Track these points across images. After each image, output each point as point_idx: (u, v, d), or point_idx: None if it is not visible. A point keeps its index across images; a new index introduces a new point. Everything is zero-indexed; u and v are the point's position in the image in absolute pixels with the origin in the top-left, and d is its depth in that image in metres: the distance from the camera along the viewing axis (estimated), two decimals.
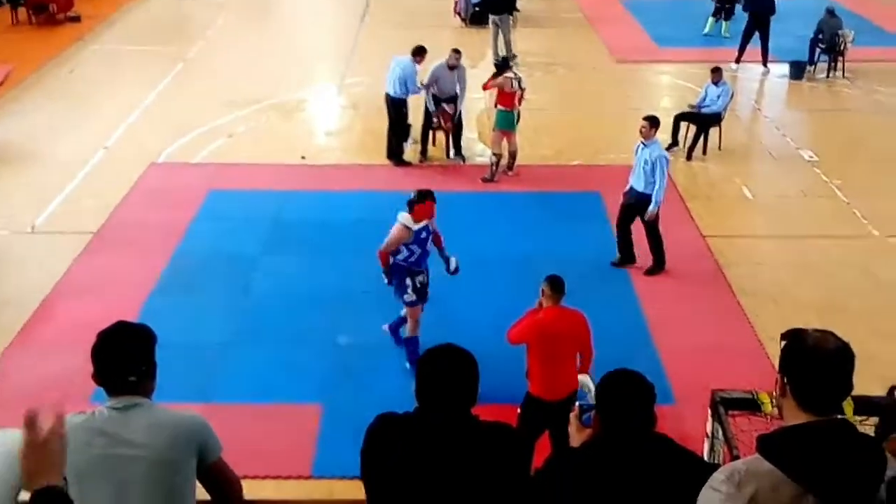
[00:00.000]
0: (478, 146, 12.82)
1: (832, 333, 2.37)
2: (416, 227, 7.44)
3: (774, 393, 2.40)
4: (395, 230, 7.46)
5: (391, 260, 7.57)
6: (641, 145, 9.31)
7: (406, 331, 7.85)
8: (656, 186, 9.09)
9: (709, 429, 4.55)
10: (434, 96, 11.97)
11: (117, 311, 8.40)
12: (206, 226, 10.32)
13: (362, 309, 8.73)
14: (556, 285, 6.28)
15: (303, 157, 12.26)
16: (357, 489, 6.29)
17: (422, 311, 7.79)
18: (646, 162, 9.13)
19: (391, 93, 11.81)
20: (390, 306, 8.64)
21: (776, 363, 8.09)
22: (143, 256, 9.58)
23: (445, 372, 2.91)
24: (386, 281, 7.76)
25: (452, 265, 7.98)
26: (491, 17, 16.61)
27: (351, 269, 9.42)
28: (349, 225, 10.33)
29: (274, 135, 13.22)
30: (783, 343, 2.38)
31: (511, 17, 16.71)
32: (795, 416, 2.31)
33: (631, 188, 9.42)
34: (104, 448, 2.95)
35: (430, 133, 12.44)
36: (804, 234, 10.43)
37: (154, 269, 9.35)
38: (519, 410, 6.38)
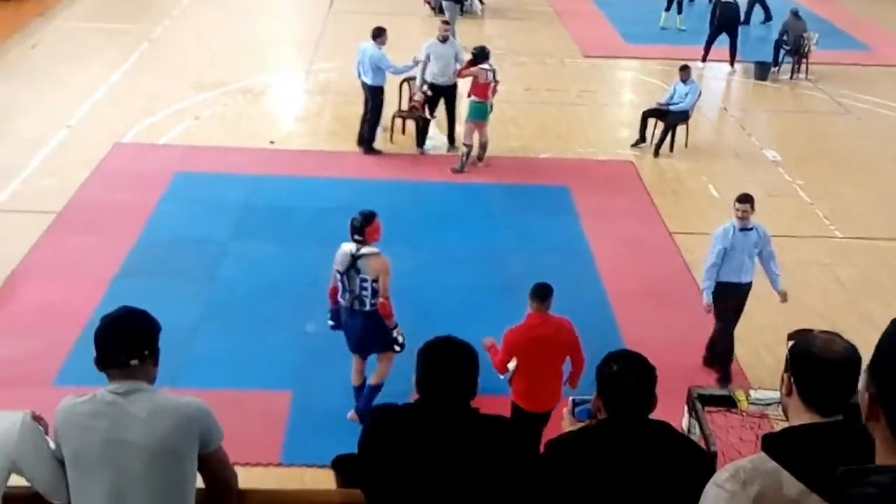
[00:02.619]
0: (443, 136, 12.79)
1: (839, 335, 2.41)
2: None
3: (780, 391, 2.43)
4: (383, 266, 6.54)
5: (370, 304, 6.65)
6: (740, 229, 7.55)
7: (375, 376, 6.94)
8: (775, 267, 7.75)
9: (685, 424, 4.60)
10: (431, 84, 11.87)
11: (81, 293, 8.37)
12: (172, 209, 10.19)
13: None
14: (535, 292, 6.18)
15: (271, 142, 12.15)
16: (327, 477, 6.30)
17: None
18: (755, 245, 7.63)
19: (367, 81, 11.72)
20: None
21: (742, 360, 8.19)
22: (108, 238, 9.44)
23: (445, 364, 2.91)
24: (401, 332, 6.77)
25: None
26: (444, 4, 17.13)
27: (319, 256, 9.33)
28: (318, 212, 10.26)
29: (242, 118, 13.08)
30: (790, 343, 2.42)
31: (457, 6, 16.91)
32: (800, 416, 2.35)
33: (736, 284, 7.71)
34: (105, 432, 2.89)
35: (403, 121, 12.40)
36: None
37: (119, 251, 9.21)
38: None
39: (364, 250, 6.52)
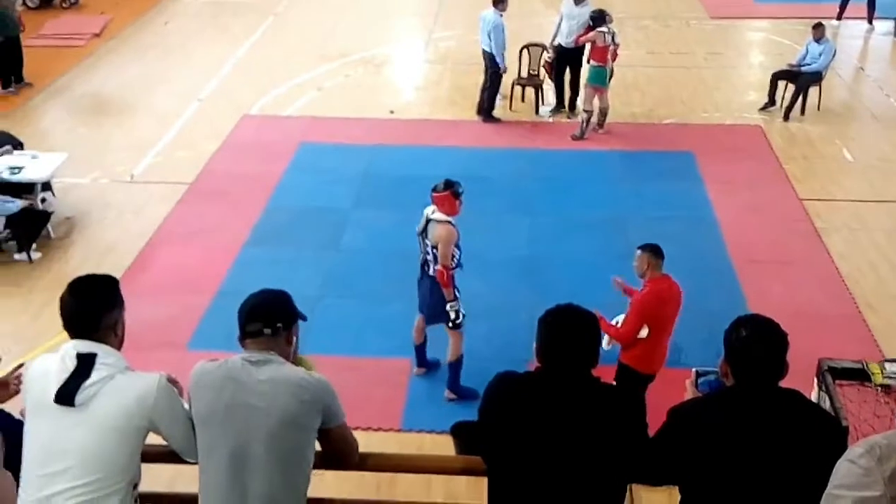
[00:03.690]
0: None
1: None
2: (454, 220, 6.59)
3: None
4: (445, 235, 6.45)
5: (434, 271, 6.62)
6: None
7: (449, 354, 6.92)
8: None
9: (814, 397, 4.44)
10: (560, 46, 11.81)
11: (213, 260, 8.69)
12: (297, 178, 10.44)
13: None
14: (657, 252, 6.01)
15: (391, 112, 12.26)
16: (446, 444, 6.36)
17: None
18: None
19: (486, 48, 11.68)
20: (478, 263, 8.62)
21: (875, 332, 7.76)
22: (237, 208, 9.75)
23: (568, 332, 2.88)
24: (455, 307, 6.73)
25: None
26: None
27: None
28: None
29: (363, 89, 13.25)
30: None
31: None
32: None
33: None
34: (233, 395, 3.02)
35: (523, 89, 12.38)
36: None
37: (247, 220, 9.51)
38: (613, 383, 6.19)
39: (435, 215, 6.54)
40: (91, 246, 9.08)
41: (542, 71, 12.35)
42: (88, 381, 2.95)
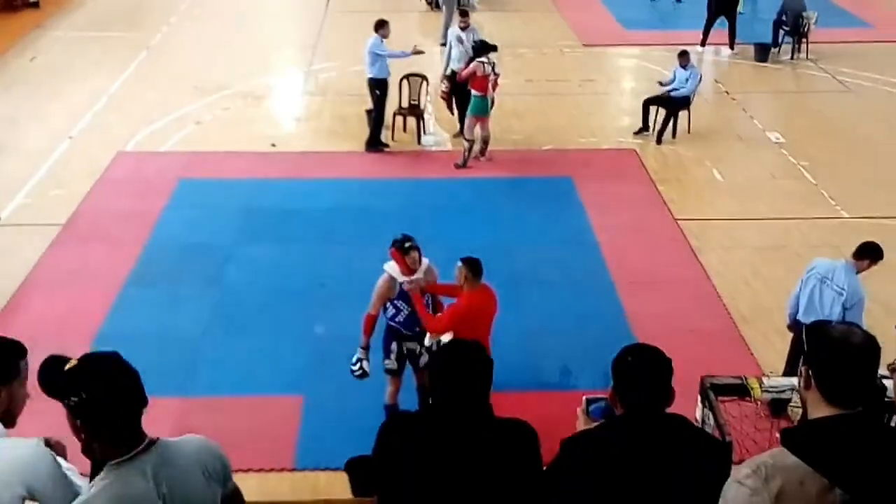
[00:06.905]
0: (446, 132, 12.75)
1: (858, 326, 2.39)
2: (402, 279, 6.48)
3: (798, 385, 2.41)
4: (378, 283, 6.56)
5: (385, 319, 6.64)
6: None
7: (385, 397, 6.82)
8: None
9: (699, 415, 4.58)
10: (453, 73, 11.99)
11: (90, 303, 8.39)
12: (177, 215, 10.18)
13: (338, 298, 8.65)
14: (475, 268, 6.34)
15: (273, 145, 12.12)
16: (341, 481, 6.27)
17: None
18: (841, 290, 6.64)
19: (368, 73, 11.71)
20: (366, 295, 8.58)
21: (752, 345, 8.09)
22: (115, 247, 9.44)
23: (457, 367, 2.88)
24: (358, 356, 6.72)
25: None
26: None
27: (325, 257, 9.38)
28: (322, 213, 10.27)
29: (243, 122, 13.06)
30: (808, 335, 2.39)
31: (455, 0, 16.79)
32: (820, 409, 2.32)
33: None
34: None
35: (404, 119, 12.41)
36: (774, 215, 10.55)
37: (126, 260, 9.22)
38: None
39: (388, 264, 6.62)
40: None
41: (424, 101, 12.46)
42: None
